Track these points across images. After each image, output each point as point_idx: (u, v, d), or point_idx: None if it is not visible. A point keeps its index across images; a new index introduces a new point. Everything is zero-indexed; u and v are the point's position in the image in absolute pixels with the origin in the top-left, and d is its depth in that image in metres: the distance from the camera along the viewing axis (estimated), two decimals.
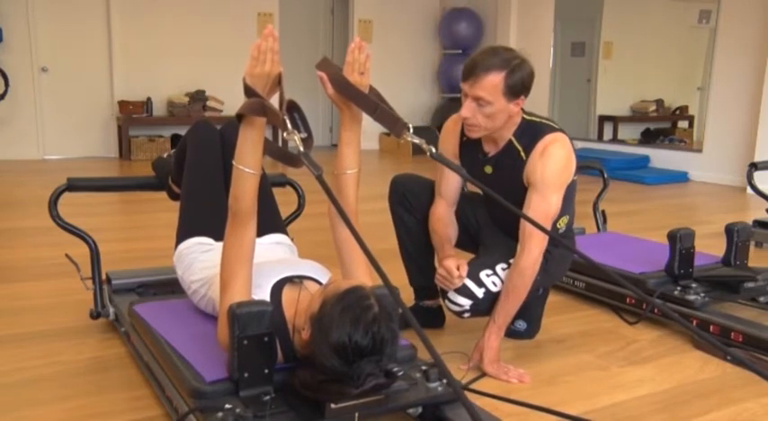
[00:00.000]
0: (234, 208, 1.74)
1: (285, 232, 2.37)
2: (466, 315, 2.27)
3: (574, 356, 2.40)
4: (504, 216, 2.33)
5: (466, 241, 2.52)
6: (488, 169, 2.31)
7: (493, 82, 2.07)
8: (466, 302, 2.23)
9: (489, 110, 2.11)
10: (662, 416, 1.98)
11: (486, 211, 2.46)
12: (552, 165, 2.16)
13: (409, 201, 2.49)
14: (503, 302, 2.21)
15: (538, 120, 2.25)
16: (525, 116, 2.24)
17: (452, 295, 2.24)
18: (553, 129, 2.21)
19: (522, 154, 2.21)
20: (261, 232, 2.04)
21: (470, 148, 2.33)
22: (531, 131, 2.21)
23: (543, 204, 2.16)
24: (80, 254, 2.62)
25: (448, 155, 2.35)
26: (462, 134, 2.32)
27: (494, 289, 2.24)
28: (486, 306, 2.26)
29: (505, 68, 2.07)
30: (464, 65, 2.15)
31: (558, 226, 2.26)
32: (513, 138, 2.23)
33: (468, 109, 2.13)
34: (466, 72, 2.11)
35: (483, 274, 2.25)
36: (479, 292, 2.23)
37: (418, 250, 2.53)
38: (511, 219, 2.25)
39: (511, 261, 2.26)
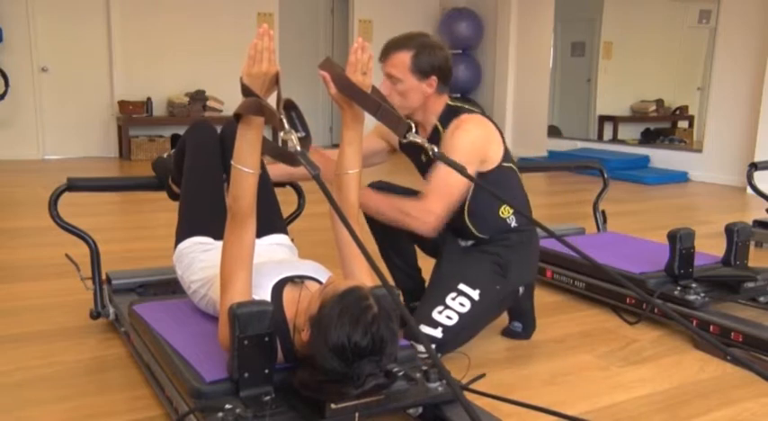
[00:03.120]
0: (233, 208, 1.73)
1: (286, 233, 2.36)
2: (438, 354, 2.15)
3: (574, 356, 2.40)
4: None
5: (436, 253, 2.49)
6: (424, 157, 2.35)
7: (401, 59, 2.21)
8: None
9: (401, 87, 2.23)
10: (662, 416, 1.98)
11: (450, 231, 2.38)
12: (461, 137, 2.21)
13: None
14: (383, 203, 2.25)
15: (461, 105, 2.32)
16: (450, 102, 2.31)
17: (416, 345, 2.06)
18: (472, 112, 2.28)
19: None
20: (261, 233, 2.04)
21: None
22: (452, 114, 2.29)
23: (444, 169, 2.11)
24: (80, 254, 2.62)
25: (382, 133, 2.47)
26: None
27: (451, 322, 2.18)
28: (454, 338, 2.19)
29: (414, 49, 2.21)
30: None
31: (501, 215, 2.29)
32: (437, 123, 2.30)
33: (384, 87, 2.22)
34: (381, 53, 2.25)
35: (435, 313, 2.19)
36: (438, 333, 2.16)
37: (399, 254, 2.53)
38: (457, 216, 2.26)
39: (460, 286, 2.23)
